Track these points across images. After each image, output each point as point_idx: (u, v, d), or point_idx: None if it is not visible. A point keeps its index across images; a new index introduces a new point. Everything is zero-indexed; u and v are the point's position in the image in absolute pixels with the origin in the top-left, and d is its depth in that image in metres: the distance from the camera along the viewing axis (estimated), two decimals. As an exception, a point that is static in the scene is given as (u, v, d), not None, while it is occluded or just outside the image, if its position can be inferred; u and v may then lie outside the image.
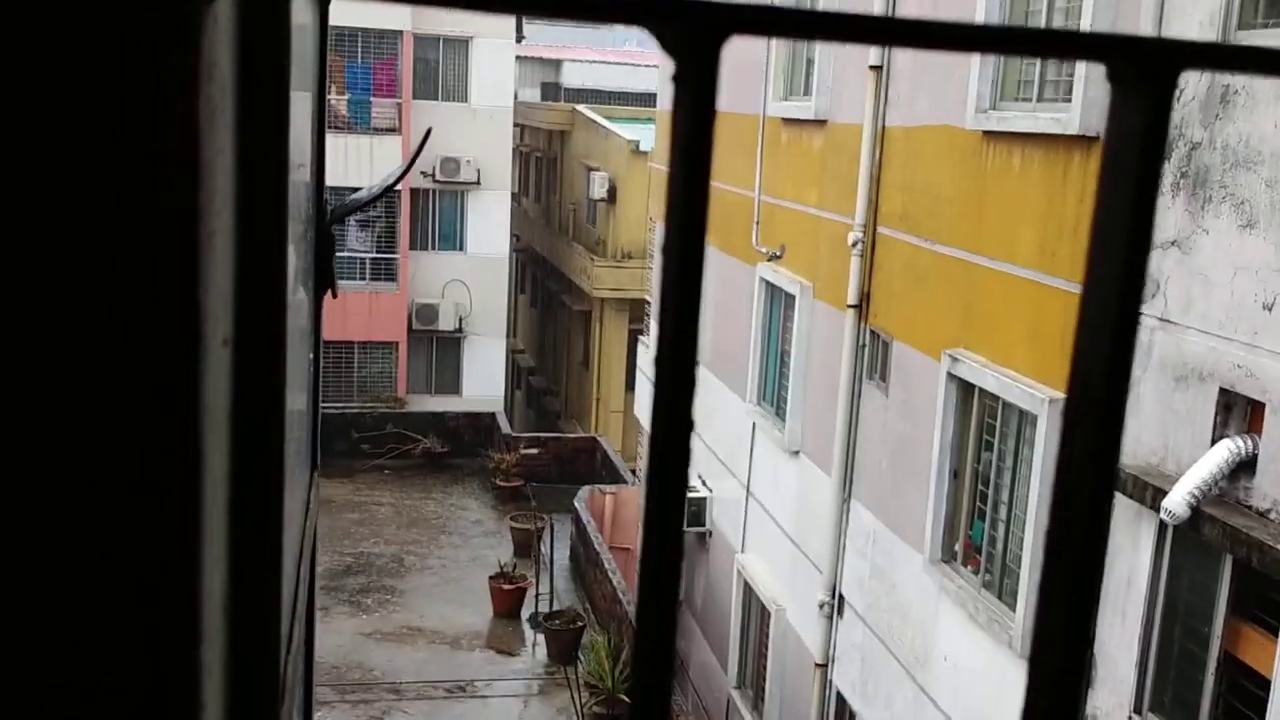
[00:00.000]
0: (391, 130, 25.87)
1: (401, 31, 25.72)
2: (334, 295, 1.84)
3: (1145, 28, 6.91)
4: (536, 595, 17.96)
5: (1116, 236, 0.46)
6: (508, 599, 18.02)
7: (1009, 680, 8.16)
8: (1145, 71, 0.45)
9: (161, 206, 0.50)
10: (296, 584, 1.41)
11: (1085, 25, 7.47)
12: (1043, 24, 8.22)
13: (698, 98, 0.39)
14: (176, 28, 0.48)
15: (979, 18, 8.65)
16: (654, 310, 17.85)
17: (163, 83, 0.49)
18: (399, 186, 25.66)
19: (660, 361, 0.42)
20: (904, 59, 10.09)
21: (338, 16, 26.37)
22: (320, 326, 1.87)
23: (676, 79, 0.39)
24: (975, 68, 8.72)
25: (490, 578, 18.25)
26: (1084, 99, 7.44)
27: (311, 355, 1.80)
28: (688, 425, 0.43)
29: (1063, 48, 0.48)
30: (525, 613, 18.09)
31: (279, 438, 0.85)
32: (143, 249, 0.50)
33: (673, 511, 0.44)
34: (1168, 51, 0.45)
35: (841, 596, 11.10)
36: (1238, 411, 6.32)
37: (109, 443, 0.53)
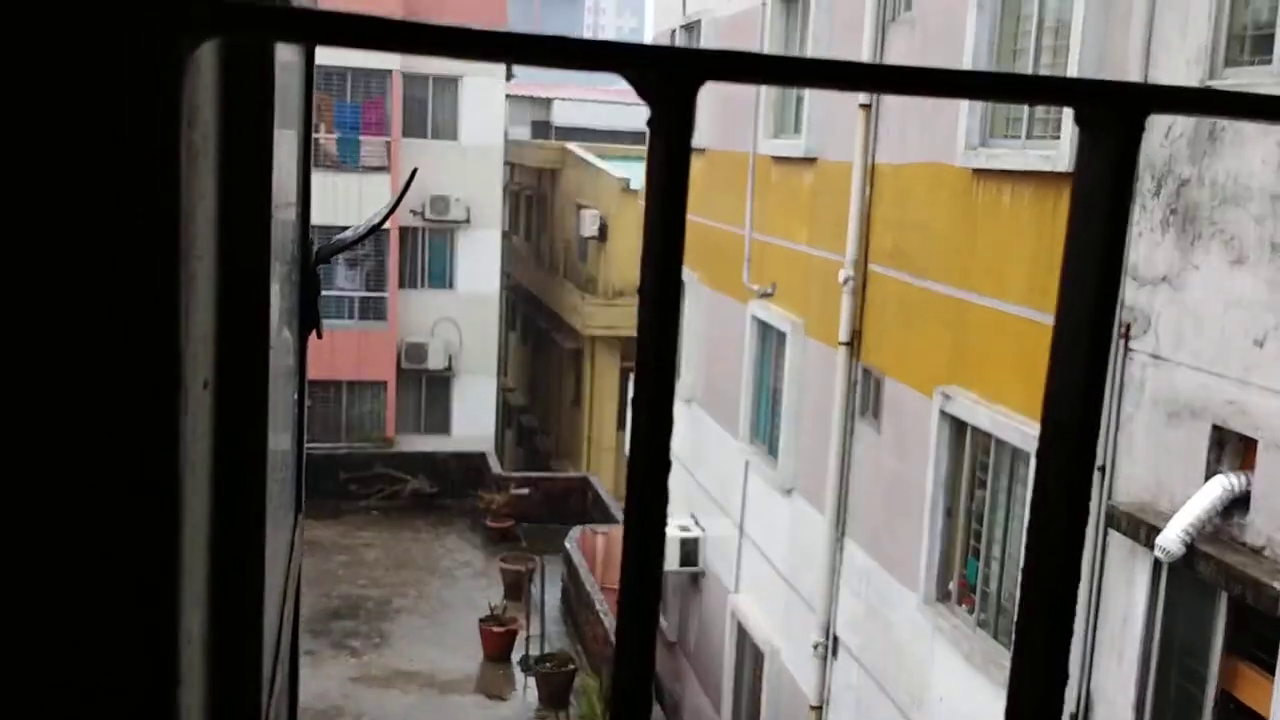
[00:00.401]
0: (381, 169, 25.95)
1: (391, 71, 25.86)
2: (319, 336, 1.81)
3: (1133, 65, 6.96)
4: (527, 638, 17.81)
5: (1087, 275, 0.47)
6: (498, 642, 17.86)
7: (1005, 721, 8.08)
8: (1112, 115, 0.46)
9: (140, 251, 0.50)
10: (280, 627, 1.37)
11: (1073, 61, 7.52)
12: (1030, 61, 8.29)
13: (673, 142, 0.39)
14: (158, 75, 0.49)
15: (967, 53, 8.72)
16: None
17: (143, 129, 0.49)
18: (388, 225, 25.70)
19: (638, 402, 0.41)
20: (893, 96, 10.16)
21: (326, 56, 26.63)
22: (305, 367, 1.85)
23: (651, 124, 0.39)
24: (964, 105, 8.77)
25: (480, 620, 18.10)
26: (1073, 136, 7.48)
27: (296, 396, 1.78)
28: (664, 464, 0.42)
29: (1031, 93, 0.49)
30: (516, 656, 17.93)
31: (261, 480, 0.83)
32: (121, 293, 0.51)
33: (652, 547, 0.42)
34: (1134, 95, 0.47)
35: (836, 637, 11.02)
36: (1231, 448, 6.30)
37: (85, 483, 0.53)
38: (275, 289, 1.37)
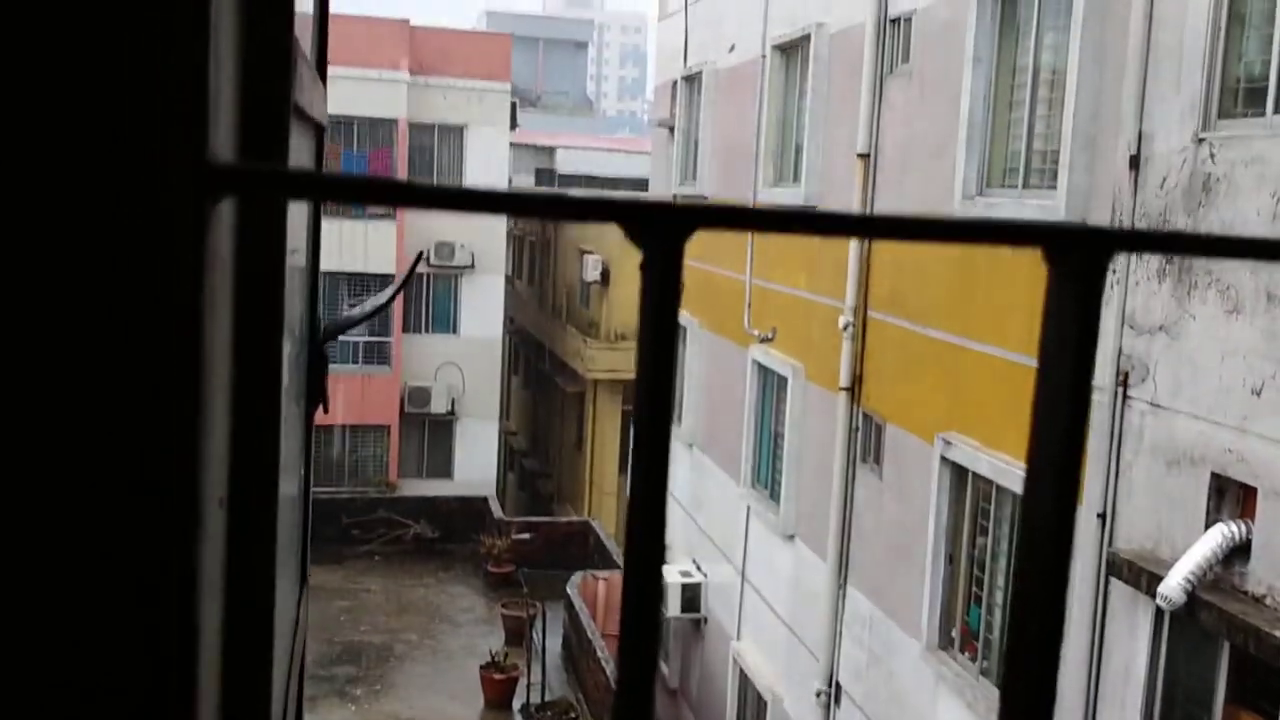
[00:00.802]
0: (387, 216, 26.11)
1: (397, 120, 26.10)
2: (325, 411, 1.85)
3: (1127, 117, 7.04)
4: (528, 685, 17.69)
5: (1058, 404, 0.50)
6: (499, 689, 17.75)
7: (1008, 770, 8.03)
8: (1077, 257, 0.49)
9: (162, 387, 0.53)
10: (285, 703, 1.40)
11: (1068, 114, 7.61)
12: (1026, 113, 8.38)
13: (663, 287, 0.43)
14: (182, 231, 0.52)
15: (964, 104, 8.82)
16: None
17: (167, 280, 0.52)
18: (392, 269, 25.82)
19: (630, 532, 0.44)
20: (891, 146, 10.26)
21: (334, 105, 26.70)
22: (311, 445, 1.89)
23: (643, 268, 0.43)
24: (961, 154, 8.86)
25: (481, 667, 17.99)
26: (1069, 186, 7.56)
27: (302, 472, 1.81)
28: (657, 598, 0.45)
29: (1000, 234, 0.53)
30: (517, 703, 17.80)
31: (269, 595, 0.87)
32: (142, 427, 0.53)
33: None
34: (1099, 237, 0.50)
35: (838, 684, 10.96)
36: (1230, 496, 6.32)
37: (100, 612, 0.54)
38: (284, 365, 1.41)
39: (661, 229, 0.44)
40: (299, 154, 1.38)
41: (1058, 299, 0.50)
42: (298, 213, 1.50)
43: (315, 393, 1.75)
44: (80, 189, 0.50)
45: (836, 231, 0.52)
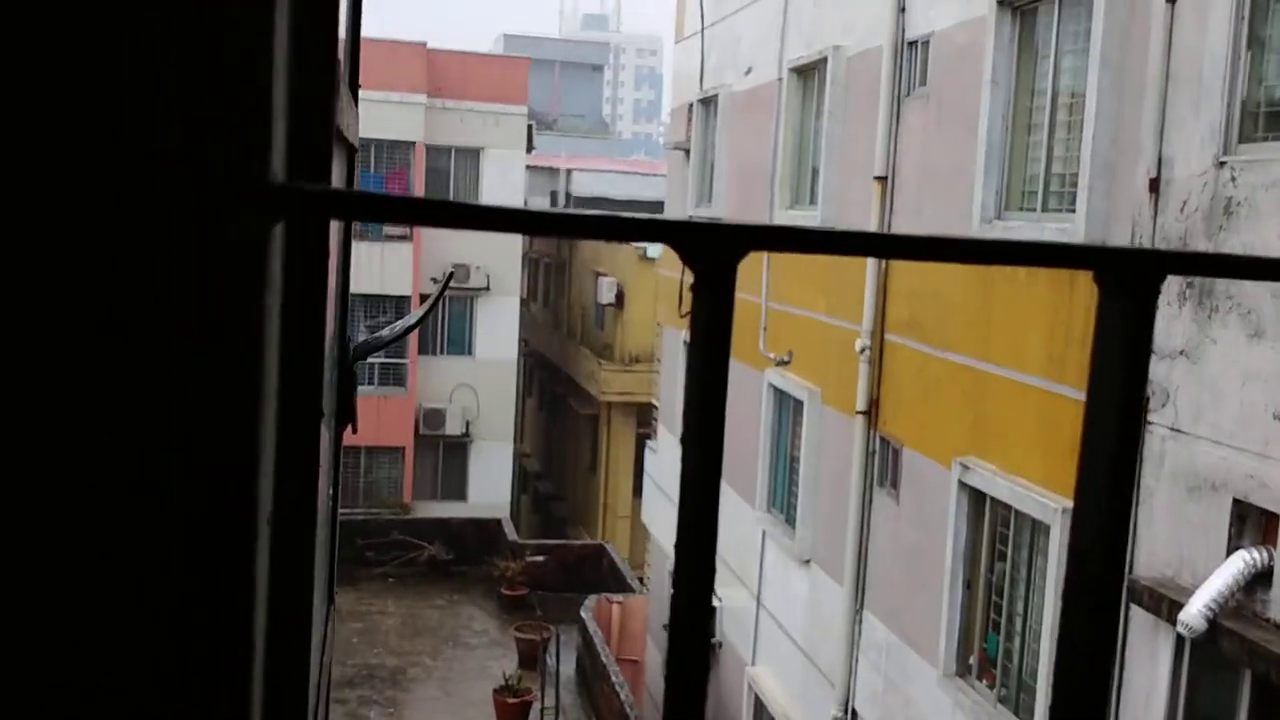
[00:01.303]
0: (403, 238, 26.23)
1: (414, 142, 26.24)
2: (354, 431, 1.85)
3: (1146, 141, 7.02)
4: (542, 709, 17.61)
5: (1107, 427, 0.49)
6: (512, 713, 17.67)
7: (1027, 799, 7.94)
8: (1128, 279, 0.48)
9: (224, 403, 0.54)
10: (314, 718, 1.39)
11: (1087, 137, 7.59)
12: (1045, 136, 8.36)
13: (715, 309, 0.42)
14: (250, 245, 0.53)
15: (982, 128, 8.81)
16: (661, 413, 17.70)
17: (231, 299, 0.53)
18: (409, 292, 25.91)
19: (679, 562, 0.43)
20: (909, 169, 10.25)
21: (352, 128, 26.79)
22: (340, 463, 1.89)
23: (695, 288, 0.43)
24: (979, 177, 8.85)
25: (494, 691, 17.93)
26: (1088, 209, 7.53)
27: (331, 491, 1.81)
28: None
29: (1050, 257, 0.52)
30: (530, 726, 17.72)
31: (307, 612, 0.87)
32: (208, 447, 0.54)
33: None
34: (1150, 260, 0.49)
35: (855, 711, 10.88)
36: (1252, 522, 6.25)
37: (162, 620, 0.55)
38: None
39: (715, 249, 0.43)
40: (335, 176, 1.38)
41: (1108, 321, 0.50)
42: (330, 235, 1.50)
43: (345, 413, 1.75)
44: (151, 207, 0.51)
45: (885, 253, 0.50)
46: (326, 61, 0.85)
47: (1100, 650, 0.49)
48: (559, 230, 0.41)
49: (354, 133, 1.56)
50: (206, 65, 0.52)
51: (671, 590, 0.46)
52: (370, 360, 26.66)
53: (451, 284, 26.86)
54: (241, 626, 0.55)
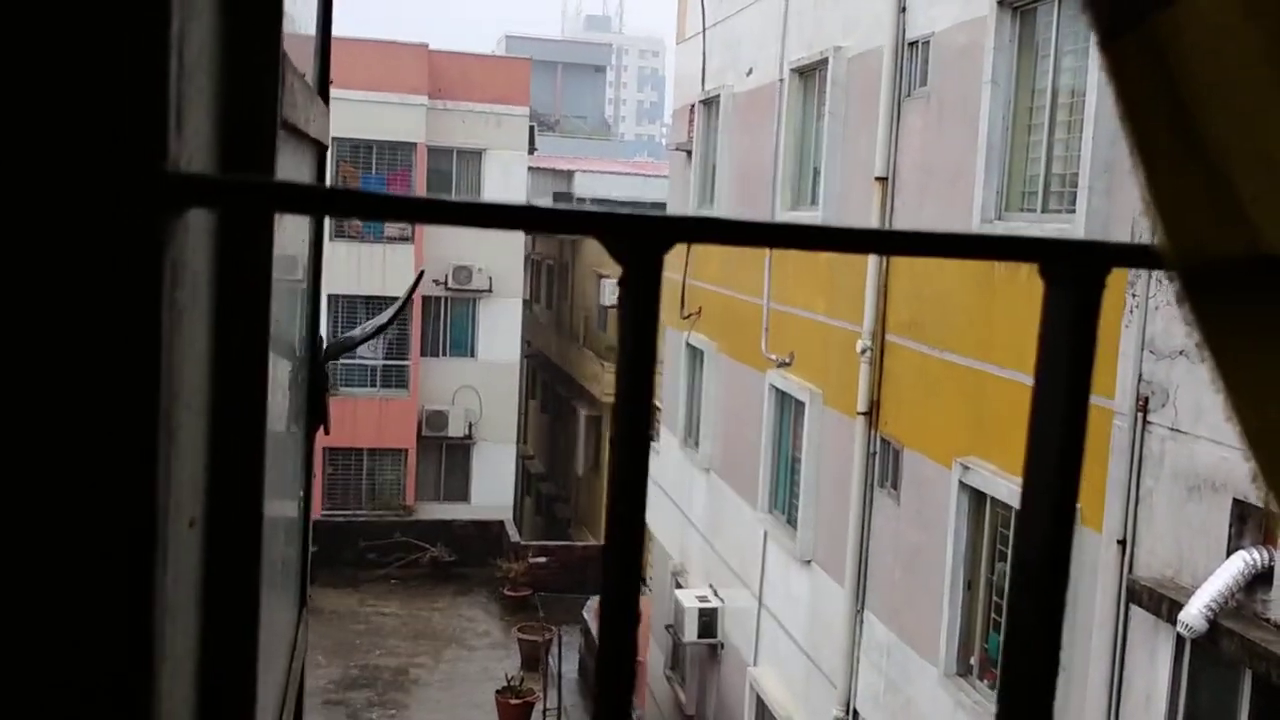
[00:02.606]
0: (404, 239, 26.24)
1: (416, 144, 26.26)
2: (326, 432, 1.85)
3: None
4: (544, 710, 17.62)
5: (1053, 419, 0.49)
6: (515, 714, 17.68)
7: (1028, 800, 7.93)
8: (1074, 271, 0.48)
9: (120, 407, 0.52)
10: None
11: (1087, 137, 7.59)
12: (1045, 135, 8.36)
13: (641, 299, 0.42)
14: (138, 245, 0.51)
15: (982, 127, 8.80)
16: (664, 415, 17.71)
17: (124, 298, 0.52)
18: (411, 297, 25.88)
19: (607, 558, 0.43)
20: (909, 169, 10.25)
21: (354, 129, 26.89)
22: (311, 463, 1.88)
23: (622, 283, 0.43)
24: (980, 177, 8.85)
25: (497, 692, 17.94)
26: (1089, 209, 7.53)
27: (302, 493, 1.81)
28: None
29: (996, 249, 0.52)
30: (533, 727, 17.72)
31: (252, 618, 0.86)
32: (98, 445, 0.53)
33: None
34: (1095, 252, 0.49)
35: (856, 711, 10.87)
36: (1252, 522, 6.25)
37: (62, 619, 0.54)
38: (285, 390, 1.40)
39: (641, 242, 0.43)
40: (296, 171, 1.37)
41: (1055, 313, 0.49)
42: (297, 233, 1.50)
43: (316, 413, 1.75)
44: (28, 195, 0.50)
45: (821, 245, 0.51)
46: (267, 52, 0.84)
47: (1047, 640, 0.49)
48: (477, 221, 0.41)
49: (320, 130, 1.56)
50: (91, 43, 0.50)
51: (603, 572, 0.46)
52: (372, 362, 26.68)
53: (454, 285, 26.87)
54: (138, 634, 0.54)
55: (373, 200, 0.40)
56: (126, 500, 0.52)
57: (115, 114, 0.51)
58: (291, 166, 1.30)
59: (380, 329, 2.59)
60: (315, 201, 0.40)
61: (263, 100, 0.83)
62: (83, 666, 0.53)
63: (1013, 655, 0.49)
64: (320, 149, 1.67)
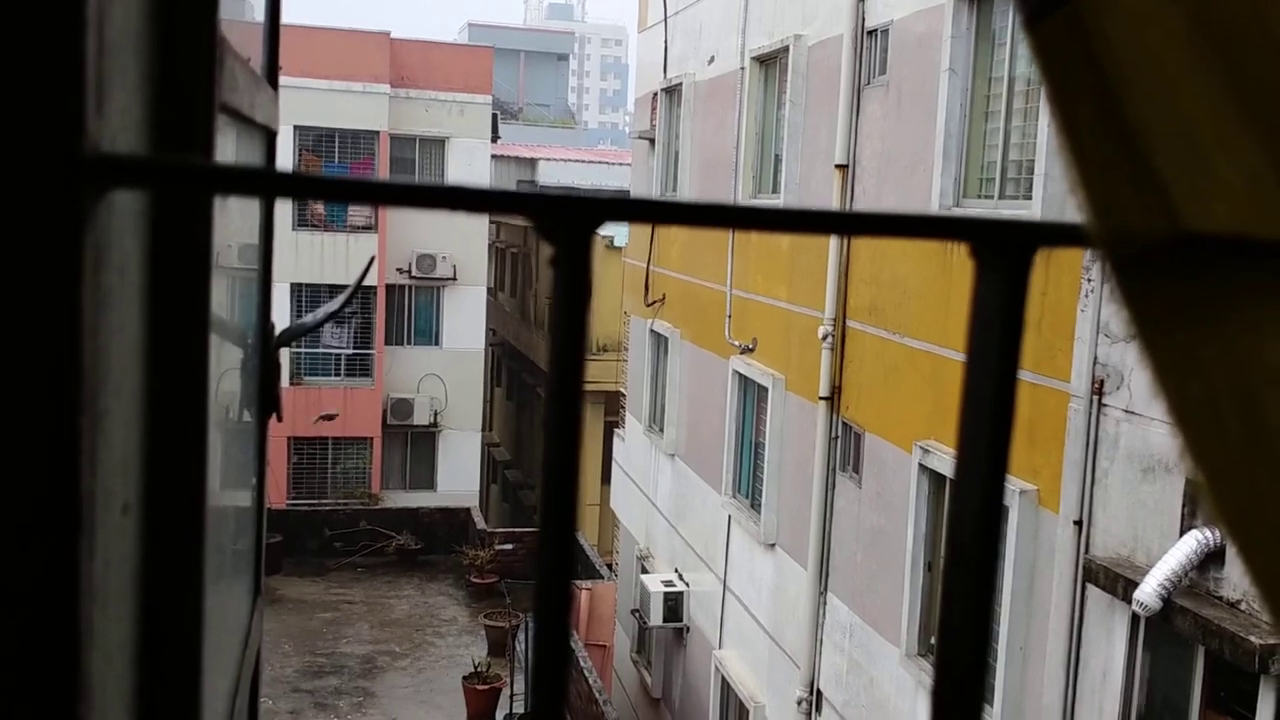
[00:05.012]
0: (367, 228, 26.08)
1: (378, 132, 26.09)
2: (279, 419, 1.86)
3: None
4: (511, 695, 17.65)
5: (983, 398, 0.49)
6: (482, 700, 17.70)
7: (988, 777, 8.06)
8: (1004, 250, 0.49)
9: (35, 393, 0.52)
10: (231, 717, 1.39)
11: (1044, 126, 7.68)
12: (1002, 122, 8.44)
13: (572, 278, 0.43)
14: (54, 227, 0.50)
15: (940, 115, 8.88)
16: (629, 401, 17.68)
17: (40, 282, 0.51)
18: (374, 283, 25.78)
19: (541, 545, 0.45)
20: (869, 157, 10.32)
21: (316, 117, 26.62)
22: (265, 451, 1.88)
23: (553, 263, 0.44)
24: (938, 164, 8.92)
25: (464, 678, 17.94)
26: (1044, 196, 7.62)
27: (255, 480, 1.81)
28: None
29: (927, 229, 0.52)
30: (500, 713, 17.75)
31: (196, 600, 0.86)
32: (15, 429, 0.52)
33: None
34: (1025, 231, 0.49)
35: (819, 692, 10.98)
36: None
37: None
38: (234, 376, 1.41)
39: (569, 221, 0.45)
40: (243, 157, 1.38)
41: (985, 293, 0.50)
42: (245, 218, 1.51)
43: (268, 400, 1.76)
44: None
45: (752, 226, 0.51)
46: (202, 35, 0.83)
47: (978, 609, 0.50)
48: (406, 201, 0.42)
49: (268, 116, 1.56)
50: (3, 30, 0.48)
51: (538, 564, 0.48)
52: (336, 351, 26.52)
53: (418, 274, 26.74)
54: (61, 619, 0.53)
55: (302, 181, 0.42)
56: (46, 484, 0.52)
57: (26, 92, 0.49)
58: (237, 152, 1.31)
59: (331, 315, 2.60)
60: (241, 182, 0.42)
61: (198, 82, 0.83)
62: (4, 662, 0.52)
63: (947, 624, 0.50)
64: (269, 135, 1.68)
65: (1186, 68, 0.44)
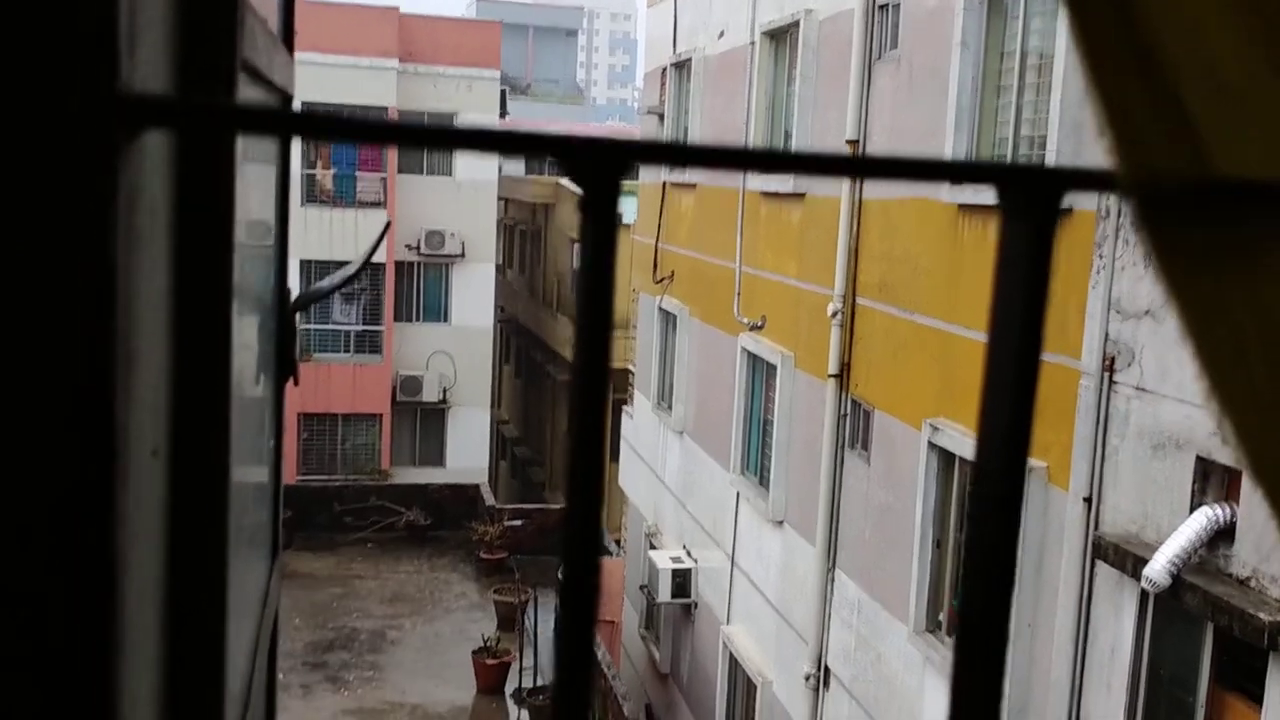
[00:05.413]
0: (377, 204, 26.07)
1: (387, 108, 26.02)
2: (295, 383, 1.86)
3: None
4: (520, 670, 17.75)
5: (1008, 347, 0.48)
6: (491, 674, 17.80)
7: (996, 752, 8.08)
8: (1030, 197, 0.48)
9: (74, 330, 0.52)
10: (250, 678, 1.40)
11: (1055, 99, 7.62)
12: (1014, 97, 8.39)
13: (600, 223, 0.43)
14: (90, 168, 0.51)
15: (952, 89, 8.83)
16: (637, 378, 17.71)
17: (76, 221, 0.51)
18: (383, 260, 25.79)
19: (571, 474, 0.45)
20: (880, 131, 10.27)
21: (324, 93, 26.57)
22: (282, 414, 1.89)
23: (582, 206, 0.44)
24: (949, 139, 8.87)
25: (474, 652, 18.04)
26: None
27: (273, 442, 1.82)
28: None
29: (952, 173, 0.51)
30: (509, 688, 17.86)
31: (221, 542, 0.87)
32: (52, 370, 0.52)
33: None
34: (1051, 177, 0.48)
35: (827, 668, 11.02)
36: (1215, 479, 6.35)
37: (19, 555, 0.54)
38: (252, 338, 1.42)
39: (599, 164, 0.44)
40: None
41: (1011, 240, 0.49)
42: (262, 181, 1.50)
43: (285, 364, 1.77)
44: None
45: (776, 168, 0.50)
46: None
47: (1003, 561, 0.50)
48: (432, 143, 0.42)
49: (285, 79, 1.56)
50: None
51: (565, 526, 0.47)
52: (346, 328, 26.56)
53: (426, 251, 26.73)
54: (100, 550, 0.54)
55: (328, 123, 0.42)
56: (84, 422, 0.52)
57: (66, 32, 0.50)
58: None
59: (349, 279, 2.61)
60: (269, 122, 0.42)
61: (220, 37, 0.83)
62: (42, 583, 0.54)
63: (971, 582, 0.50)
64: (285, 98, 1.68)
65: (1215, 4, 0.43)
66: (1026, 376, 0.50)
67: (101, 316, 0.52)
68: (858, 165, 0.53)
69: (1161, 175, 0.46)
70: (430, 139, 0.42)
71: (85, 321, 0.52)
